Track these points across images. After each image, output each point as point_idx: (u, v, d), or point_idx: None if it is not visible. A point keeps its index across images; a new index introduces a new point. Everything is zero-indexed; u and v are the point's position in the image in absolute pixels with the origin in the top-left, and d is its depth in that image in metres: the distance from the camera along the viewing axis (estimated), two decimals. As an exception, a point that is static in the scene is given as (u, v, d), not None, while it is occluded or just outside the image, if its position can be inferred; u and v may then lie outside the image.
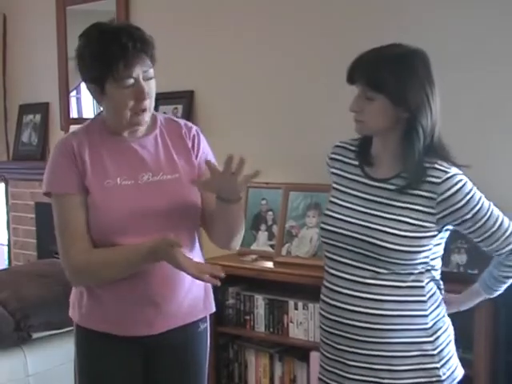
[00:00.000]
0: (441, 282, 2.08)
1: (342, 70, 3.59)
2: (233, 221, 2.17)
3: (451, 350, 2.07)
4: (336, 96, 3.65)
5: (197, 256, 2.27)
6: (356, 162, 2.11)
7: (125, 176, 2.12)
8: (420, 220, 1.94)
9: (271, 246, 3.77)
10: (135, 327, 2.17)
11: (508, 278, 2.10)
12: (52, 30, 5.05)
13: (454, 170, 1.95)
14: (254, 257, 3.71)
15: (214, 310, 2.37)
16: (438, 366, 1.99)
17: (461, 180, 1.94)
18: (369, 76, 1.95)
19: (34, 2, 5.26)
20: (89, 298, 2.19)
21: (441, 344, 2.02)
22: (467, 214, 1.94)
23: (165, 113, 4.16)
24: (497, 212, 1.99)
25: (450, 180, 1.93)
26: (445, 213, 1.94)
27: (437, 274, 2.05)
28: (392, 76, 1.92)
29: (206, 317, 2.33)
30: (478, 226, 1.96)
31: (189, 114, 4.20)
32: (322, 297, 2.11)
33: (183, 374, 2.27)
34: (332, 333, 2.06)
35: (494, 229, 1.98)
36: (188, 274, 2.01)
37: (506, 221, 2.01)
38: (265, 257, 3.72)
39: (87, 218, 2.10)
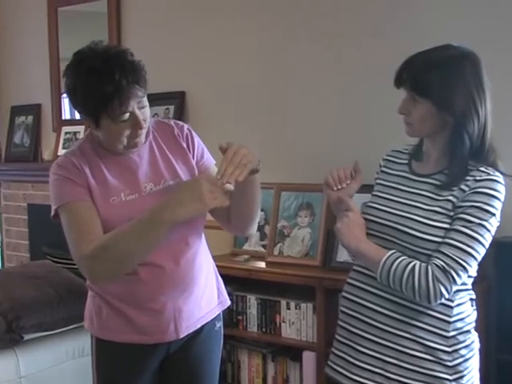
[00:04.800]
0: (473, 293, 2.02)
1: (333, 69, 3.62)
2: (251, 198, 2.12)
3: (470, 367, 1.99)
4: (328, 96, 3.67)
5: (206, 253, 2.30)
6: (406, 161, 2.10)
7: (128, 190, 2.10)
8: (449, 210, 1.90)
9: (263, 245, 3.77)
10: (162, 334, 2.17)
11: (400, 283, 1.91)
12: (43, 32, 5.04)
13: (498, 177, 1.91)
14: (246, 257, 3.72)
15: (229, 303, 2.39)
16: (451, 378, 1.94)
17: (497, 190, 1.89)
18: (415, 80, 1.93)
19: (26, 4, 5.25)
20: (109, 311, 2.17)
21: (459, 357, 1.96)
22: (468, 215, 1.87)
23: (156, 114, 4.17)
24: (483, 241, 1.88)
25: (488, 182, 1.88)
26: (460, 204, 1.89)
27: (469, 282, 1.99)
28: (438, 81, 1.89)
29: (220, 315, 2.34)
30: (460, 230, 1.87)
31: (180, 115, 4.21)
32: (348, 279, 2.10)
33: (197, 373, 2.28)
34: (349, 314, 2.05)
35: (460, 244, 1.86)
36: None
37: (477, 254, 1.88)
38: (257, 257, 3.73)
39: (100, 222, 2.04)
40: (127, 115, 1.98)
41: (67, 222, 2.05)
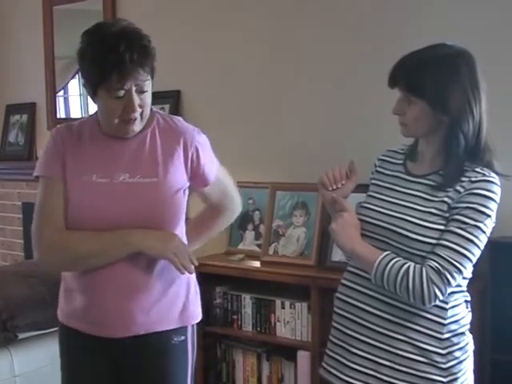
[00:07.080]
0: (468, 294, 2.02)
1: (330, 69, 3.62)
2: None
3: (464, 369, 1.98)
4: (322, 95, 3.67)
5: None
6: (401, 161, 2.10)
7: (101, 174, 2.08)
8: (444, 211, 1.89)
9: (258, 245, 3.77)
10: (98, 328, 2.13)
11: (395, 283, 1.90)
12: (39, 30, 5.02)
13: (494, 178, 1.90)
14: (241, 256, 3.71)
15: (192, 323, 2.25)
16: (444, 380, 1.93)
17: (493, 191, 1.88)
18: (409, 80, 1.92)
19: (21, 2, 5.23)
20: (64, 294, 2.20)
21: (453, 359, 1.95)
22: (463, 216, 1.86)
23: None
24: (478, 243, 1.87)
25: (484, 183, 1.87)
26: (455, 205, 1.88)
27: (464, 284, 1.98)
28: (432, 81, 1.88)
29: (183, 329, 2.20)
30: (455, 232, 1.86)
31: (175, 114, 4.19)
32: (342, 280, 2.09)
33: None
34: (343, 315, 2.04)
35: (455, 246, 1.85)
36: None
37: (472, 256, 1.87)
38: (252, 256, 3.73)
39: (64, 207, 2.09)
40: (122, 93, 1.98)
41: (38, 195, 2.14)
